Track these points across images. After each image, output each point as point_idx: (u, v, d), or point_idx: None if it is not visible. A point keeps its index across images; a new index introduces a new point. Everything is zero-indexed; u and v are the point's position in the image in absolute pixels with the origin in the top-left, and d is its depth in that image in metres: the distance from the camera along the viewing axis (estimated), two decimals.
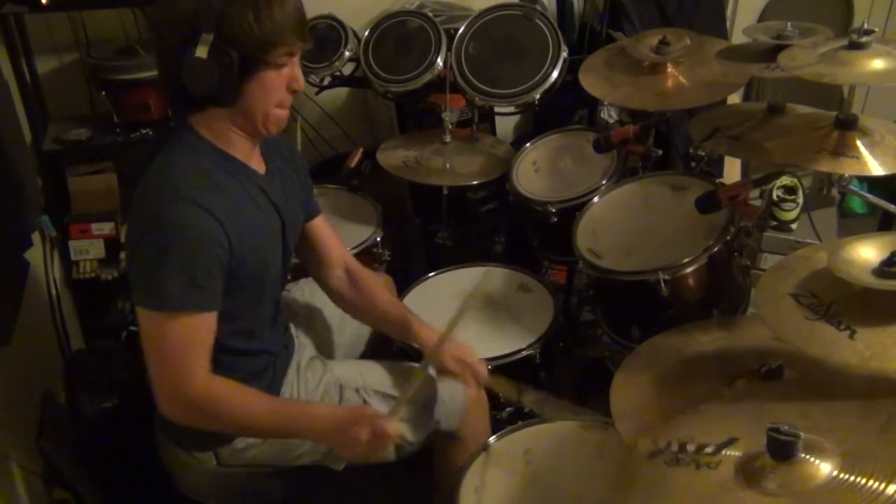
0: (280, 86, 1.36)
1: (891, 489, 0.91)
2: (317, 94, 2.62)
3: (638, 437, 1.23)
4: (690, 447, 1.09)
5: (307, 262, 1.73)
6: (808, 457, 0.98)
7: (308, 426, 1.43)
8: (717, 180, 2.02)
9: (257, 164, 1.47)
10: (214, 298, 1.34)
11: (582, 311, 2.34)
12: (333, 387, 1.60)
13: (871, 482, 0.93)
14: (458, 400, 1.63)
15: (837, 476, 0.96)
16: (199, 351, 1.33)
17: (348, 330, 1.86)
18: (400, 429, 1.40)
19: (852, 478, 0.95)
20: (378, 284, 1.77)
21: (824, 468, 0.97)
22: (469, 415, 1.63)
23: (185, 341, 1.32)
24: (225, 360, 1.41)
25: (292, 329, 1.72)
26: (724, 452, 1.06)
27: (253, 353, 1.50)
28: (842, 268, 1.18)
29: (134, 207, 1.36)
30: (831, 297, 1.18)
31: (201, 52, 1.25)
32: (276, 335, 1.60)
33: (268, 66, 1.32)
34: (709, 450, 1.07)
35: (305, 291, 1.86)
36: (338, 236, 1.73)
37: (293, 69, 1.37)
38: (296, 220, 1.59)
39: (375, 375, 1.64)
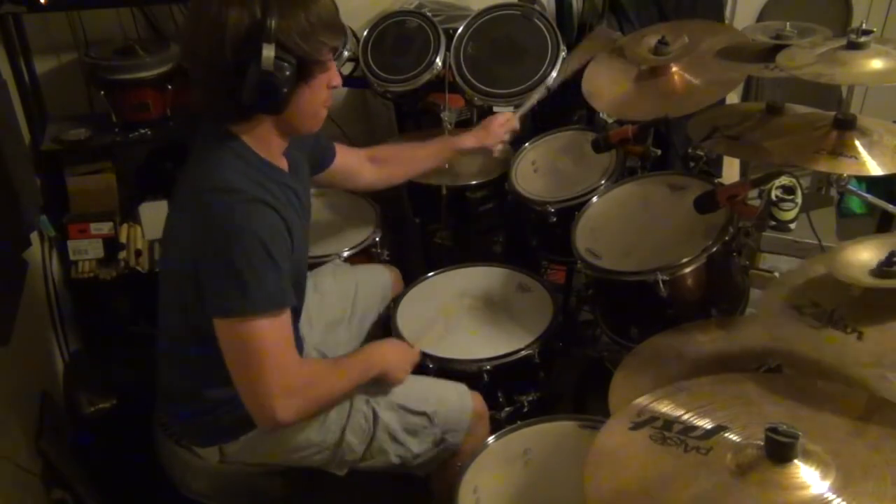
0: (324, 85, 1.40)
1: None
2: None
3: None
4: (677, 427, 1.09)
5: (345, 184, 1.96)
6: (802, 464, 0.98)
7: (367, 362, 1.55)
8: (716, 180, 2.02)
9: (284, 164, 1.49)
10: (291, 293, 1.38)
11: (581, 311, 2.34)
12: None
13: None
14: (465, 412, 1.63)
15: (832, 491, 0.96)
16: (292, 342, 1.38)
17: (343, 332, 1.87)
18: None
19: (844, 498, 0.95)
20: (397, 147, 2.09)
21: (818, 478, 0.97)
22: (471, 430, 1.63)
23: (283, 337, 1.35)
24: None
25: (300, 332, 1.72)
26: (714, 439, 1.05)
27: None
28: (842, 271, 1.18)
29: (194, 215, 1.35)
30: (833, 303, 1.19)
31: (266, 65, 1.26)
32: (297, 328, 1.62)
33: (321, 67, 1.36)
34: (697, 433, 1.07)
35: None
36: (347, 147, 1.88)
37: (333, 66, 1.42)
38: (309, 201, 1.63)
39: (385, 385, 1.62)
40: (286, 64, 1.28)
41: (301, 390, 1.38)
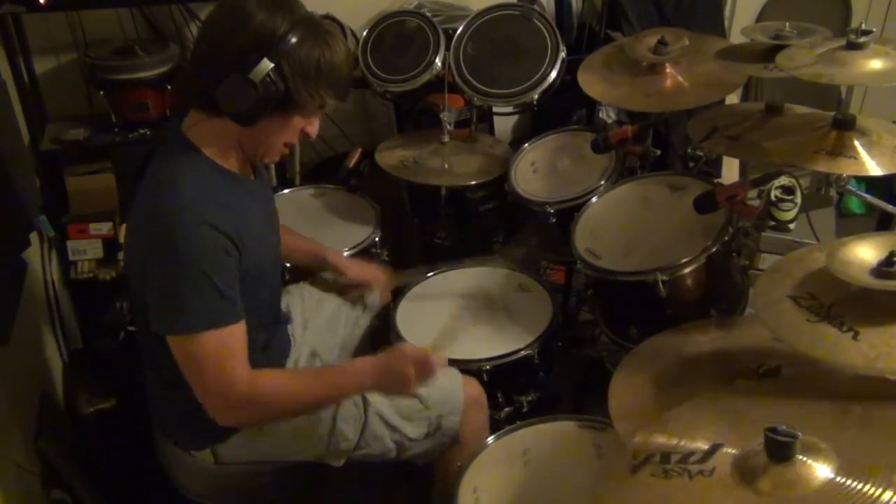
0: (297, 129, 1.41)
1: (887, 495, 0.91)
2: None
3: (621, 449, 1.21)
4: (675, 457, 1.08)
5: None
6: (804, 458, 0.98)
7: (354, 381, 1.49)
8: (716, 180, 2.02)
9: (247, 172, 1.49)
10: (239, 308, 1.36)
11: (580, 311, 2.34)
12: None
13: (867, 486, 0.93)
14: (457, 392, 1.63)
15: (835, 479, 0.96)
16: (238, 357, 1.35)
17: (341, 331, 1.87)
18: (443, 356, 1.54)
19: (850, 481, 0.95)
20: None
21: (821, 471, 0.97)
22: (468, 416, 1.63)
23: (222, 354, 1.33)
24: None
25: (289, 329, 1.74)
26: (714, 458, 1.05)
27: (255, 348, 1.51)
28: (840, 268, 1.17)
29: (141, 228, 1.36)
30: (831, 298, 1.18)
31: (255, 76, 1.27)
32: (277, 332, 1.63)
33: (302, 111, 1.37)
34: (696, 458, 1.07)
35: (302, 294, 1.88)
36: None
37: (315, 120, 1.42)
38: (275, 206, 1.64)
39: None
40: (273, 87, 1.29)
41: (246, 404, 1.37)
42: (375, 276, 1.92)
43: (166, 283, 1.31)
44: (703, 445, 1.08)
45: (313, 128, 1.44)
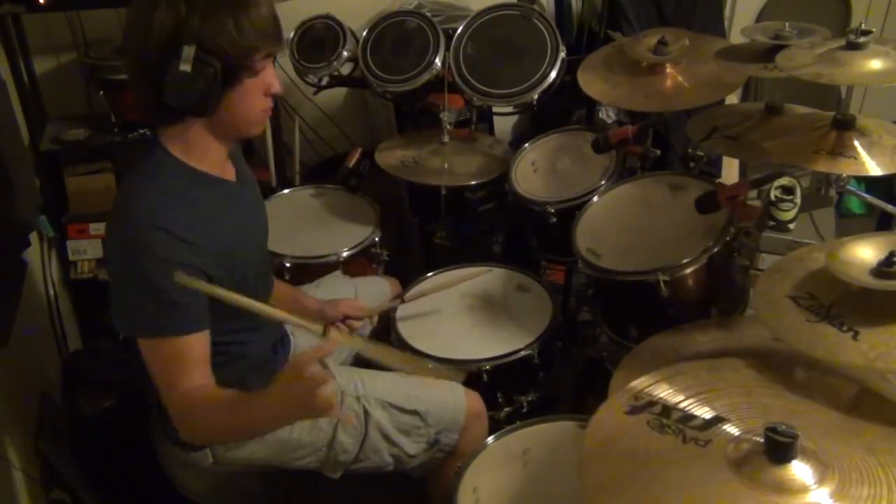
0: (259, 91, 1.36)
1: None
2: (315, 94, 2.62)
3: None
4: (675, 414, 1.08)
5: None
6: (801, 463, 0.98)
7: (269, 415, 1.30)
8: (716, 180, 2.02)
9: (229, 174, 1.47)
10: (197, 318, 1.32)
11: (580, 311, 2.34)
12: (335, 393, 1.60)
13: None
14: (459, 408, 1.63)
15: (830, 495, 0.96)
16: (187, 368, 1.32)
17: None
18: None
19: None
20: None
21: (817, 480, 0.97)
22: (467, 430, 1.63)
23: (169, 362, 1.31)
24: (227, 351, 1.43)
25: (288, 329, 1.72)
26: (713, 431, 1.05)
27: (249, 345, 1.52)
28: (840, 268, 1.18)
29: (107, 233, 1.37)
30: (830, 298, 1.18)
31: (185, 66, 1.24)
32: (270, 332, 1.61)
33: (249, 72, 1.33)
34: (695, 423, 1.06)
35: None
36: None
37: (269, 73, 1.37)
38: (264, 217, 1.61)
39: (376, 384, 1.64)
40: (207, 66, 1.26)
41: (181, 419, 1.35)
42: (350, 308, 1.82)
43: (121, 287, 1.32)
44: (705, 414, 1.08)
45: (273, 79, 1.37)
